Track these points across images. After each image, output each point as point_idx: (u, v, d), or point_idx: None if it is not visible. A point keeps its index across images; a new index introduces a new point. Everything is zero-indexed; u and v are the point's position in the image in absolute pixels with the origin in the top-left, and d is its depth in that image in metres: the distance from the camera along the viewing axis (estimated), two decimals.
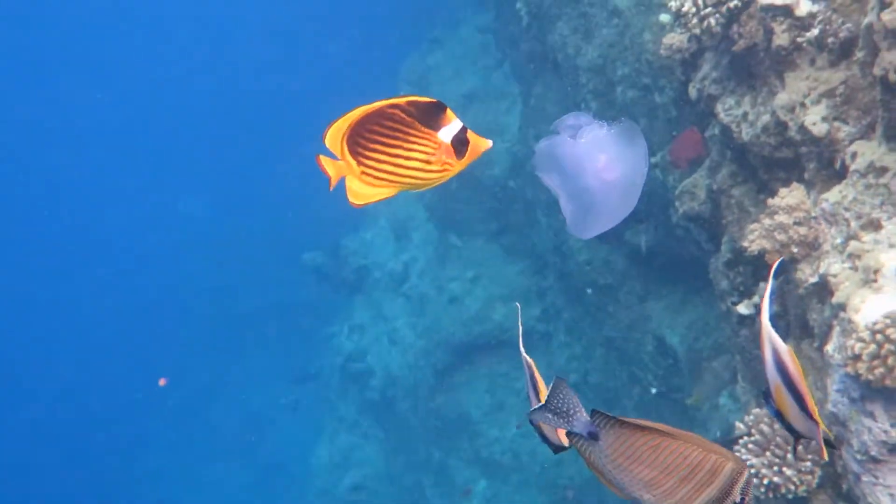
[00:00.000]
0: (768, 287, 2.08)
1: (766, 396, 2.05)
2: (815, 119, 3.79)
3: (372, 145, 1.93)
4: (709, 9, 4.09)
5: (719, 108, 4.40)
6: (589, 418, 1.83)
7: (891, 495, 3.24)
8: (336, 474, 13.03)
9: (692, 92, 4.64)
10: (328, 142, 1.93)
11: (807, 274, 3.71)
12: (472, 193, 11.41)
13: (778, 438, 3.76)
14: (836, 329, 3.37)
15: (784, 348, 1.99)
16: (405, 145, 1.93)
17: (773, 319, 4.29)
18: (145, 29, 23.60)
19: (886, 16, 3.26)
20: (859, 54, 3.65)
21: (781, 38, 3.89)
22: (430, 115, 1.93)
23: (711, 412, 6.69)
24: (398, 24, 15.90)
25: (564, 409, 1.83)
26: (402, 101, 1.91)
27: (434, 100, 1.94)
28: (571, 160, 2.76)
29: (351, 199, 2.01)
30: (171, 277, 19.79)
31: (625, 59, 7.55)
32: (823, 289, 3.57)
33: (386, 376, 12.24)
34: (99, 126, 22.87)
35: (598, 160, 2.73)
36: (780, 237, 3.77)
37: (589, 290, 8.96)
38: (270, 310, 16.59)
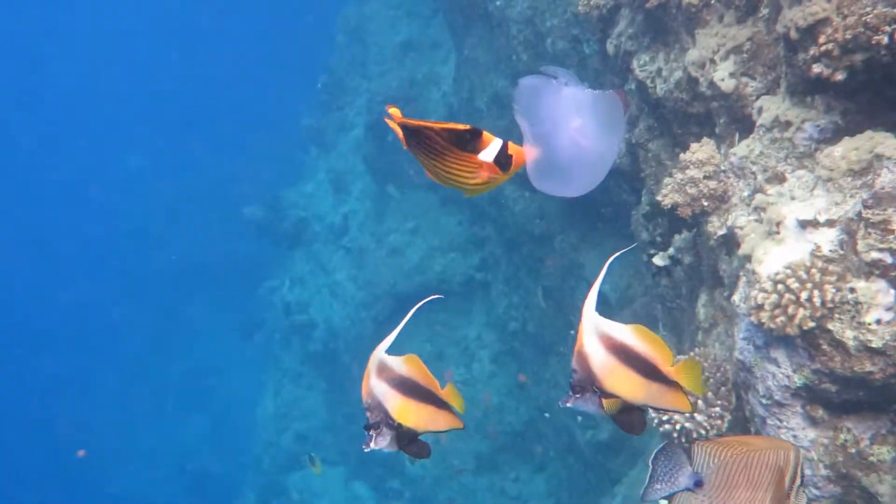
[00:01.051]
0: (598, 280, 2.18)
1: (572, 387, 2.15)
2: (723, 75, 3.88)
3: (419, 151, 1.99)
4: None
5: (635, 63, 4.48)
6: (690, 469, 1.88)
7: (794, 436, 3.39)
8: (282, 425, 13.13)
9: (610, 48, 4.71)
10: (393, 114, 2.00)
11: (716, 226, 3.82)
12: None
13: None
14: (742, 279, 3.49)
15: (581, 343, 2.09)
16: (444, 163, 1.98)
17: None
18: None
19: None
20: (764, 11, 3.75)
21: None
22: (467, 141, 1.97)
23: None
24: None
25: (669, 473, 1.89)
26: (435, 126, 1.95)
27: (468, 126, 1.97)
28: (551, 108, 2.61)
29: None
30: (116, 231, 19.63)
31: (553, 10, 7.59)
32: (731, 241, 3.69)
33: (328, 328, 12.31)
34: (56, 88, 22.57)
35: (574, 120, 2.63)
36: (691, 191, 3.88)
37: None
38: (213, 264, 16.55)
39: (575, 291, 8.77)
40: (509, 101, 2.87)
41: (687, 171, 3.88)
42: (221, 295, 16.09)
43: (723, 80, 3.88)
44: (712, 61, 3.95)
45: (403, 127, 1.96)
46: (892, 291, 3.07)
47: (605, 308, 7.22)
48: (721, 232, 3.78)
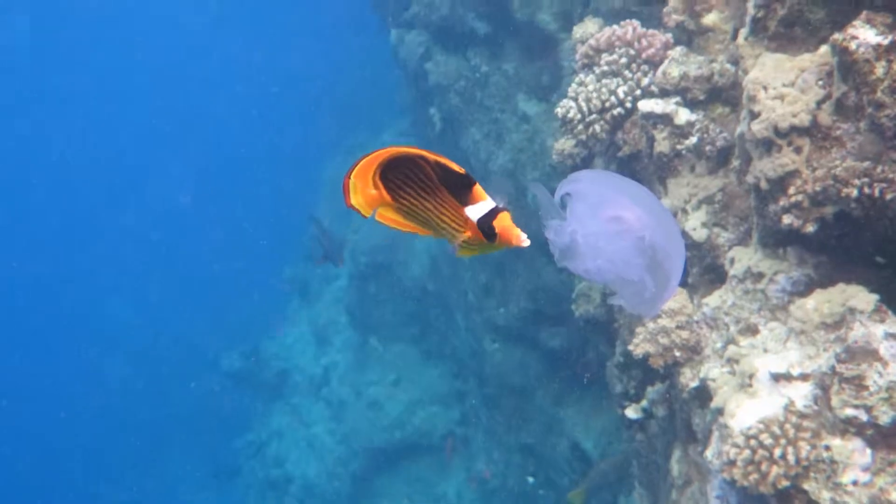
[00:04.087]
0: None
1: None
2: (695, 225, 3.85)
3: (407, 186, 1.69)
4: (593, 115, 4.17)
5: None
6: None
7: None
8: None
9: None
10: (356, 175, 1.70)
11: (688, 378, 3.71)
12: (392, 296, 11.41)
13: None
14: (715, 434, 3.36)
15: None
16: (434, 201, 1.70)
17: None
18: None
19: (756, 125, 3.35)
20: (735, 162, 3.74)
21: (662, 145, 3.97)
22: (457, 187, 1.68)
23: None
24: (322, 130, 16.07)
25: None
26: (430, 156, 1.66)
27: (461, 170, 1.67)
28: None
29: (389, 223, 1.78)
30: (89, 385, 19.33)
31: (535, 163, 7.67)
32: (704, 393, 3.57)
33: (304, 483, 12.00)
34: None
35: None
36: (663, 340, 3.79)
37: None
38: (187, 416, 16.25)
39: (556, 448, 8.57)
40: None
41: (659, 321, 3.79)
42: (196, 447, 15.75)
43: (695, 229, 3.84)
44: (684, 211, 3.92)
45: (393, 158, 1.67)
46: (868, 451, 2.94)
47: (584, 464, 6.99)
48: (693, 384, 3.67)
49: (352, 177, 1.70)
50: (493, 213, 1.66)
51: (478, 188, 1.67)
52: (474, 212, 1.67)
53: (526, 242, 1.65)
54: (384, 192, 1.70)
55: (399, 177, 1.68)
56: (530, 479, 9.02)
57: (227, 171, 20.30)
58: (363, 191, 1.71)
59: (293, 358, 13.31)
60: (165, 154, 22.27)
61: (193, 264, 19.85)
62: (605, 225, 2.11)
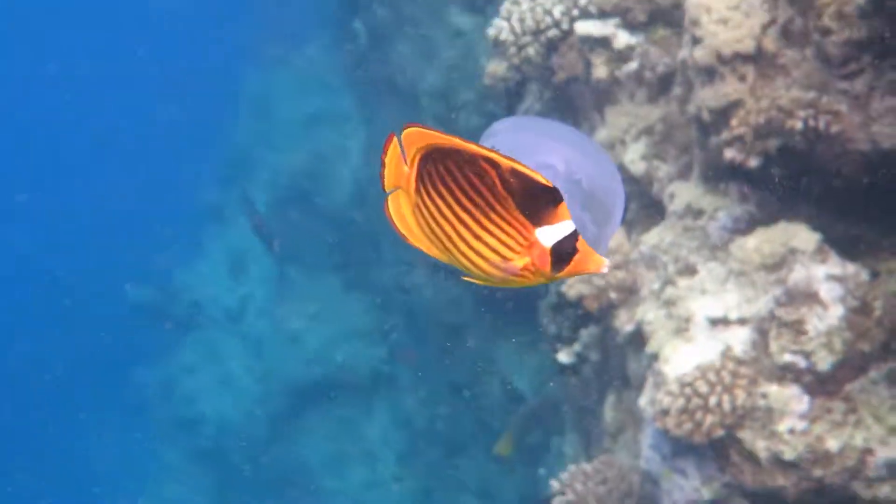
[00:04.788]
0: None
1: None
2: (633, 157, 3.87)
3: (441, 187, 1.40)
4: (527, 38, 4.14)
5: None
6: None
7: None
8: None
9: None
10: (406, 137, 1.41)
11: (623, 321, 3.77)
12: (315, 223, 11.34)
13: (591, 499, 3.80)
14: (650, 381, 3.42)
15: None
16: (482, 219, 1.39)
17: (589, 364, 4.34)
18: None
19: (698, 52, 3.35)
20: (677, 90, 3.75)
21: (600, 71, 3.97)
22: (535, 201, 1.36)
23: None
24: (241, 41, 15.76)
25: None
26: (504, 161, 1.34)
27: (549, 182, 1.35)
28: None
29: (399, 224, 1.49)
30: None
31: (469, 83, 7.61)
32: (640, 337, 3.62)
33: (219, 423, 11.99)
34: None
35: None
36: (598, 282, 3.83)
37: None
38: (91, 351, 16.09)
39: (489, 387, 8.66)
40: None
41: None
42: (102, 386, 15.63)
43: (633, 162, 3.86)
44: (622, 142, 3.94)
45: (441, 146, 1.36)
46: (805, 398, 3.03)
47: (519, 405, 7.08)
48: (629, 327, 3.72)
49: (403, 134, 1.41)
50: (573, 237, 1.37)
51: (563, 207, 1.37)
52: (550, 234, 1.37)
53: (607, 269, 1.38)
54: (413, 177, 1.42)
55: (442, 171, 1.39)
56: (466, 394, 9.08)
57: (137, 91, 19.85)
58: (397, 159, 1.43)
59: (206, 289, 13.19)
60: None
61: (100, 189, 19.49)
62: None
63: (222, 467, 11.89)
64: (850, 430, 2.98)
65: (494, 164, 1.34)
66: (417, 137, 1.40)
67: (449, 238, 1.41)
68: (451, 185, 1.38)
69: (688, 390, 3.17)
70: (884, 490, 2.96)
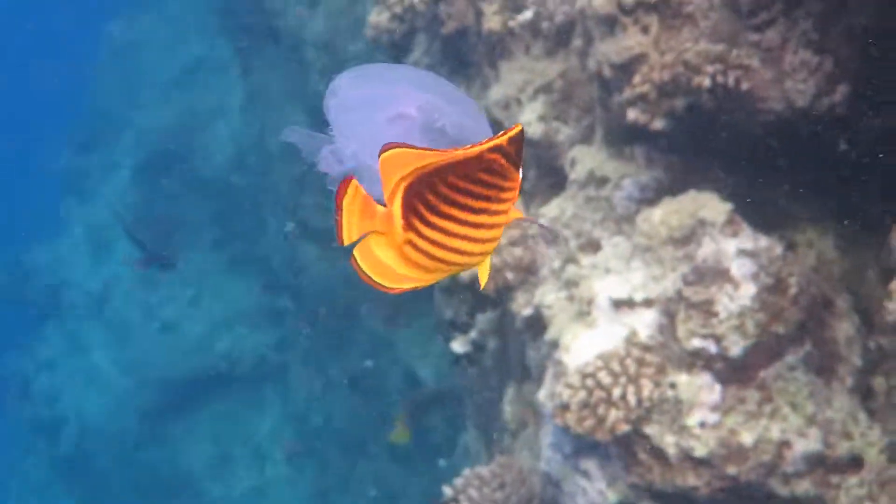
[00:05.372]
0: None
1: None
2: (530, 118, 3.90)
3: (447, 209, 1.33)
4: None
5: None
6: None
7: None
8: None
9: None
10: (384, 162, 1.33)
11: (521, 304, 3.80)
12: (188, 190, 11.24)
13: None
14: (550, 371, 3.46)
15: None
16: (492, 208, 1.35)
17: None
18: None
19: (598, 0, 3.39)
20: (577, 42, 3.78)
21: (492, 21, 3.98)
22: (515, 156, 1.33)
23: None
24: None
25: None
26: (502, 139, 1.29)
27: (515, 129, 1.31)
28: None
29: (379, 279, 1.39)
30: None
31: (356, 32, 7.58)
32: (538, 322, 3.66)
33: (82, 424, 11.85)
34: None
35: None
36: (493, 259, 3.86)
37: (322, 310, 9.00)
38: None
39: (389, 377, 8.70)
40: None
41: None
42: None
43: (530, 124, 3.89)
44: (518, 101, 3.96)
45: (437, 169, 1.30)
46: (717, 387, 3.09)
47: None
48: (527, 311, 3.75)
49: (381, 160, 1.32)
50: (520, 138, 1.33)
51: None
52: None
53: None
54: (399, 215, 1.34)
55: (444, 192, 1.32)
56: (368, 363, 9.08)
57: None
58: (361, 203, 1.34)
59: (65, 270, 13.00)
60: None
61: None
62: (388, 128, 2.07)
63: (88, 475, 11.76)
64: (765, 421, 3.05)
65: (499, 149, 1.29)
66: (399, 162, 1.31)
67: (459, 252, 1.36)
68: (459, 198, 1.33)
69: (589, 382, 3.22)
70: (802, 486, 3.04)
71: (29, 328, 13.23)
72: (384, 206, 1.33)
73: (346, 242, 1.33)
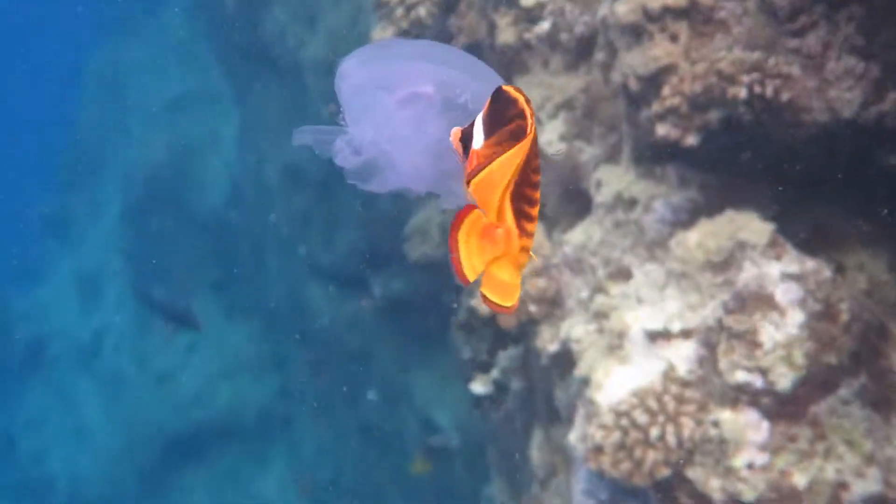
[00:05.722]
0: None
1: None
2: (551, 138, 3.88)
3: (536, 195, 1.35)
4: None
5: None
6: None
7: None
8: None
9: None
10: (478, 196, 1.34)
11: (547, 339, 3.77)
12: (182, 231, 11.25)
13: None
14: (580, 411, 3.43)
15: None
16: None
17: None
18: None
19: (621, 7, 3.38)
20: (599, 55, 3.77)
21: (506, 34, 3.98)
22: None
23: None
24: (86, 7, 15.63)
25: None
26: (530, 121, 1.30)
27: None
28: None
29: (506, 302, 1.36)
30: None
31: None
32: (566, 358, 3.64)
33: (73, 486, 11.85)
34: None
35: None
36: None
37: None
38: None
39: (404, 425, 8.66)
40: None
41: None
42: None
43: (550, 144, 3.87)
44: (537, 120, 3.95)
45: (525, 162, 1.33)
46: (764, 424, 3.06)
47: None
48: (553, 347, 3.73)
49: (475, 183, 1.33)
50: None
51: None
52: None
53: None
54: (514, 226, 1.35)
55: (531, 180, 1.34)
56: (371, 396, 9.05)
57: None
58: (479, 232, 1.35)
59: (51, 319, 13.02)
60: None
61: None
62: (405, 110, 2.05)
63: None
64: (819, 461, 3.01)
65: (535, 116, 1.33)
66: (490, 182, 1.32)
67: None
68: (538, 181, 1.36)
69: (625, 421, 3.19)
70: None
71: (13, 384, 13.24)
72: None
73: (473, 279, 1.34)
